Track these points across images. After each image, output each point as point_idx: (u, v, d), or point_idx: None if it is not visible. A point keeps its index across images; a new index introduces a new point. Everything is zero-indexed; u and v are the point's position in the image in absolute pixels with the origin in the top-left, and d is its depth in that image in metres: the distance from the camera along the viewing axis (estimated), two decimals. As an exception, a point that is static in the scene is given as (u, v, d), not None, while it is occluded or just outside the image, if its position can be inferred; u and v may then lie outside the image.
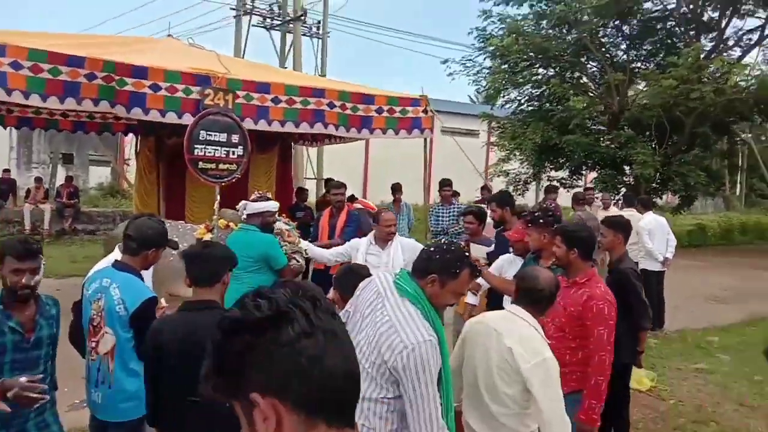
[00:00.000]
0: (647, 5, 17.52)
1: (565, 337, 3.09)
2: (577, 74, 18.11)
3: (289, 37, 15.49)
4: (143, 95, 5.65)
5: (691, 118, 15.33)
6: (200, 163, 4.57)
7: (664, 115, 15.02)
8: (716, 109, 15.41)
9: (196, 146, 4.49)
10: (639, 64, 17.98)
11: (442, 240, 4.23)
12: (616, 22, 17.44)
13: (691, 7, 17.09)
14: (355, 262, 4.32)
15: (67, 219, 14.82)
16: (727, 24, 16.86)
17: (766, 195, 32.47)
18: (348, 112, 6.95)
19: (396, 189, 9.21)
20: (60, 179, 18.91)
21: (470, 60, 18.50)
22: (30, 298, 2.68)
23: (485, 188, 10.68)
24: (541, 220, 3.61)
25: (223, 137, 4.66)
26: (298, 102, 6.47)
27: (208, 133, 4.56)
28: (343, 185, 5.92)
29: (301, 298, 0.85)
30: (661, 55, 17.70)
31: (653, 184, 16.47)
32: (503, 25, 17.38)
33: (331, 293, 3.22)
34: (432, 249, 2.43)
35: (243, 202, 4.52)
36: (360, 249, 4.60)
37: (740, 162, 27.12)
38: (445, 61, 18.67)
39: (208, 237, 5.49)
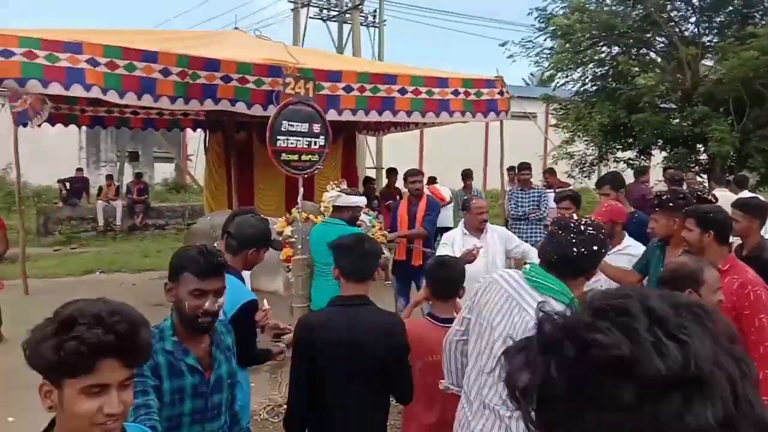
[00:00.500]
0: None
1: None
2: (644, 51, 17.31)
3: (346, 28, 15.39)
4: (215, 87, 5.67)
5: (773, 91, 14.36)
6: (283, 154, 4.47)
7: (743, 89, 14.11)
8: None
9: (278, 137, 4.40)
10: (711, 38, 16.98)
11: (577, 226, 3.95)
12: (685, -6, 16.55)
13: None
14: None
15: (138, 215, 15.28)
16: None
17: None
18: (423, 96, 6.80)
19: (467, 175, 9.00)
20: (127, 176, 19.53)
21: (530, 41, 17.99)
22: (211, 327, 2.18)
23: (550, 172, 10.28)
24: (671, 203, 3.30)
25: (305, 127, 4.55)
26: (368, 89, 6.35)
27: (290, 123, 4.46)
28: (420, 172, 5.76)
29: (728, 354, 0.52)
30: (735, 27, 16.70)
31: (730, 162, 15.60)
32: (564, 4, 16.80)
33: (423, 291, 3.09)
34: (574, 240, 2.14)
35: (334, 192, 4.39)
36: (455, 241, 4.40)
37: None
38: (504, 44, 18.17)
39: (288, 230, 5.43)
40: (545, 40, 17.67)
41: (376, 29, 16.00)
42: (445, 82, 7.04)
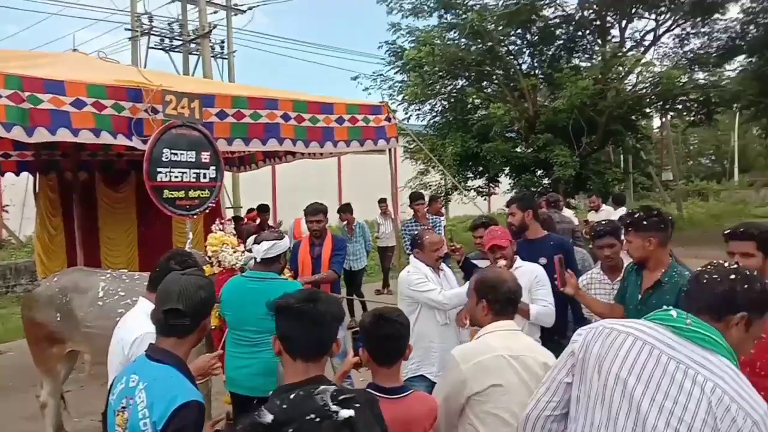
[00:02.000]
0: (547, 12, 18.06)
1: (757, 374, 2.26)
2: (487, 83, 18.27)
3: (192, 59, 14.21)
4: (66, 114, 4.47)
5: (604, 117, 15.78)
6: (165, 191, 3.52)
7: (579, 115, 15.34)
8: (625, 107, 16.04)
9: (159, 170, 3.46)
10: (544, 69, 18.40)
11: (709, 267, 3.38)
12: (518, 31, 17.80)
13: (588, 12, 17.76)
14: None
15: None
16: (626, 26, 17.65)
17: (649, 188, 34.91)
18: (306, 124, 6.07)
19: (345, 210, 8.39)
20: None
21: (381, 74, 18.20)
22: None
23: (433, 199, 10.05)
24: (644, 222, 2.93)
25: (191, 156, 3.65)
26: (247, 116, 5.49)
27: (173, 151, 3.54)
28: (321, 210, 4.98)
29: None
30: (562, 60, 18.33)
31: (570, 185, 16.83)
32: (413, 38, 17.25)
33: (351, 356, 2.35)
34: (731, 276, 1.68)
35: (263, 243, 3.36)
36: (429, 277, 3.75)
37: (624, 160, 28.79)
38: (356, 77, 18.23)
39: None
40: (396, 73, 18.02)
41: (225, 60, 15.04)
42: (329, 108, 6.39)
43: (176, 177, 3.56)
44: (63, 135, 4.37)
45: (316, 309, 1.72)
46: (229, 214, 13.03)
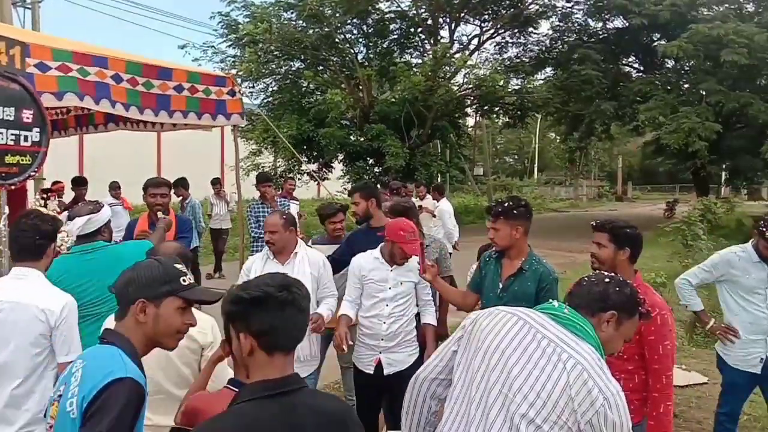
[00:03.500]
0: (382, 5, 18.49)
1: (620, 357, 2.44)
2: (323, 68, 18.20)
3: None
4: None
5: (432, 113, 16.59)
6: (-24, 155, 2.82)
7: (411, 108, 15.96)
8: (451, 105, 17.05)
9: (-34, 129, 2.75)
10: (378, 62, 18.84)
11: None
12: (355, 20, 17.98)
13: (421, 11, 18.52)
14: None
15: None
16: (455, 29, 18.73)
17: (462, 181, 37.85)
18: (140, 88, 5.35)
19: (179, 184, 7.75)
20: None
21: (212, 46, 17.21)
22: None
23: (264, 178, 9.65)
24: (514, 211, 3.00)
25: (9, 114, 2.95)
26: (74, 70, 4.72)
27: (-13, 107, 2.84)
28: (164, 183, 4.48)
29: None
30: (395, 55, 18.96)
31: (400, 175, 17.50)
32: (248, 12, 16.55)
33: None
34: (606, 280, 1.93)
35: (76, 220, 2.91)
36: (253, 268, 3.45)
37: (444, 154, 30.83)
38: (183, 47, 17.02)
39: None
40: (228, 46, 17.17)
41: (28, 10, 13.02)
42: (167, 73, 5.68)
43: (-11, 139, 2.89)
44: None
45: (299, 294, 1.48)
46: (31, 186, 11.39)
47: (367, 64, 17.86)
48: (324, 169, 19.15)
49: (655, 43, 18.48)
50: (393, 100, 15.81)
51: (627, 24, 17.92)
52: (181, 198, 7.98)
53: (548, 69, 20.05)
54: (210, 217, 9.86)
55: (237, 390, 1.62)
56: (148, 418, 2.57)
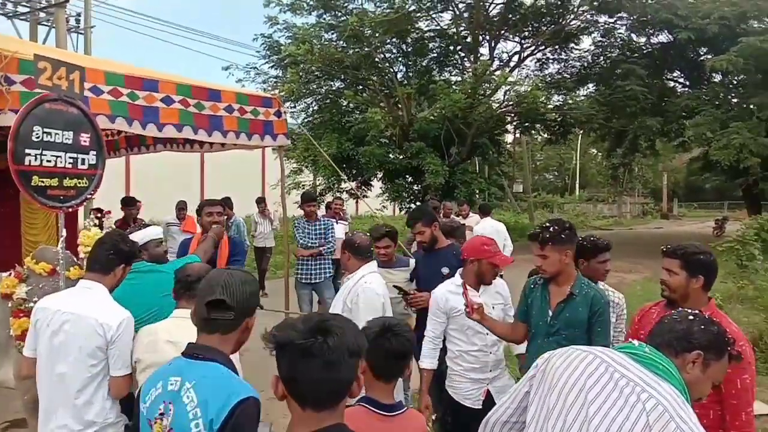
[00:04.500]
0: (422, 24, 18.58)
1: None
2: (362, 87, 18.34)
3: (41, 30, 12.58)
4: None
5: (472, 130, 16.49)
6: (35, 177, 2.88)
7: (450, 126, 15.90)
8: (491, 122, 16.93)
9: (28, 151, 2.81)
10: (417, 80, 18.90)
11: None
12: (394, 39, 18.10)
13: (461, 29, 18.53)
14: None
15: None
16: (495, 46, 18.65)
17: (501, 198, 37.51)
18: (192, 109, 5.47)
19: (225, 203, 7.84)
20: None
21: (255, 67, 17.57)
22: None
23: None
24: (562, 236, 2.89)
25: (68, 137, 3.02)
26: (125, 95, 4.84)
27: (46, 130, 2.90)
28: (219, 202, 4.54)
29: None
30: (435, 73, 18.98)
31: (440, 192, 17.41)
32: (290, 34, 16.85)
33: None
34: (689, 317, 1.82)
35: (143, 231, 3.03)
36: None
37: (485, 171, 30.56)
38: (227, 68, 17.41)
39: (21, 291, 3.71)
40: (271, 67, 17.49)
41: (81, 35, 13.52)
42: (217, 95, 5.81)
43: (49, 161, 2.94)
44: None
45: (327, 344, 1.32)
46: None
47: (406, 82, 17.92)
48: (363, 187, 19.20)
49: (702, 57, 18.01)
50: (432, 117, 15.77)
51: (672, 38, 17.52)
52: (225, 217, 8.05)
53: (590, 85, 19.74)
54: (254, 236, 9.96)
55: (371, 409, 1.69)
56: None
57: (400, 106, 17.37)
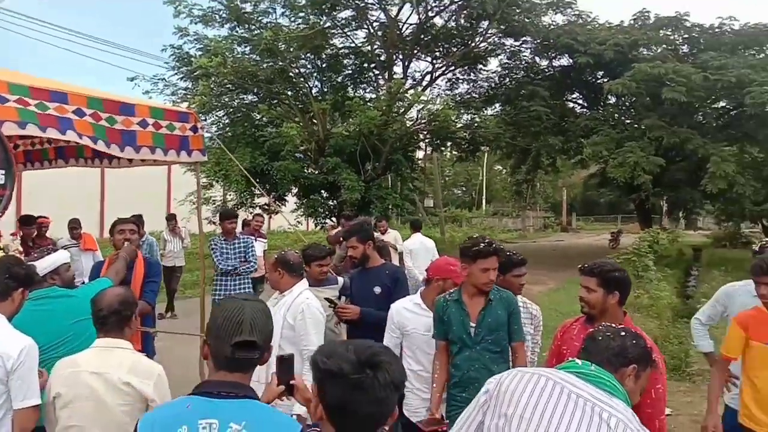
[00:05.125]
0: (336, 41, 18.68)
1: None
2: (277, 101, 18.14)
3: None
4: None
5: (387, 146, 16.71)
6: (-69, 197, 2.58)
7: (366, 142, 16.03)
8: (405, 139, 17.25)
9: None
10: (332, 96, 18.95)
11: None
12: (309, 55, 18.07)
13: (375, 47, 18.80)
14: None
15: None
16: (408, 65, 19.04)
17: (412, 213, 38.22)
18: (103, 123, 5.16)
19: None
20: None
21: (163, 79, 16.91)
22: None
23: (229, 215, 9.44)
24: (491, 250, 3.04)
25: (-30, 154, 2.75)
26: (32, 105, 4.52)
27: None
28: (132, 220, 4.29)
29: None
30: (349, 89, 19.11)
31: (355, 208, 17.45)
32: (201, 45, 16.40)
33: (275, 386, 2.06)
34: (621, 333, 1.93)
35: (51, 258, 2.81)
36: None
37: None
38: (133, 79, 16.65)
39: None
40: (180, 79, 16.92)
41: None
42: (130, 109, 5.51)
43: (-54, 180, 2.67)
44: None
45: (378, 381, 1.34)
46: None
47: (321, 98, 17.89)
48: (277, 202, 18.90)
49: (600, 81, 19.32)
50: (347, 133, 15.85)
51: (573, 62, 18.67)
52: (137, 236, 7.62)
53: (497, 105, 20.61)
54: (163, 255, 9.49)
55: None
56: None
57: (315, 121, 17.31)
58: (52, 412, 2.49)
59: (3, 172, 3.01)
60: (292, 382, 1.98)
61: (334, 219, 18.01)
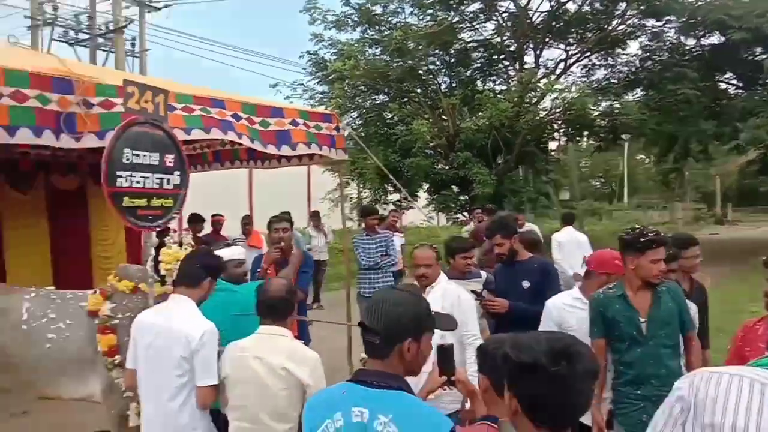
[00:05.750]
0: (465, 35, 18.58)
1: None
2: (407, 99, 18.43)
3: (100, 55, 13.11)
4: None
5: (519, 138, 16.33)
6: (126, 198, 3.01)
7: (498, 134, 15.80)
8: (538, 130, 16.74)
9: (119, 173, 2.94)
10: (461, 90, 18.87)
11: None
12: (437, 51, 18.14)
13: (505, 38, 18.44)
14: None
15: None
16: (540, 54, 18.47)
17: (547, 206, 36.89)
18: (257, 126, 5.62)
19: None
20: None
21: (302, 84, 17.88)
22: None
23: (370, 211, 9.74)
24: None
25: (154, 159, 3.15)
26: (197, 110, 5.00)
27: (135, 152, 3.03)
28: (286, 218, 4.64)
29: None
30: (479, 83, 18.92)
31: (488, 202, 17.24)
32: (335, 50, 17.09)
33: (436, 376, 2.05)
34: None
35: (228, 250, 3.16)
36: None
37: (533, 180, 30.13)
38: (275, 85, 17.75)
39: (106, 308, 3.84)
40: (317, 83, 17.79)
41: (136, 58, 14.04)
42: (280, 112, 5.97)
43: (138, 182, 3.06)
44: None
45: (575, 372, 1.32)
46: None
47: (450, 93, 17.91)
48: (410, 198, 19.20)
49: (758, 58, 17.41)
50: (477, 127, 15.70)
51: (725, 39, 17.00)
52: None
53: (639, 90, 19.26)
54: (309, 250, 10.08)
55: (496, 427, 1.59)
56: None
57: (444, 117, 17.36)
58: (224, 392, 2.76)
59: (179, 173, 3.38)
60: (452, 378, 2.00)
61: (465, 214, 17.98)
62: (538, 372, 1.32)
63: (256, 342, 2.70)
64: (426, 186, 18.26)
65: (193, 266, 2.85)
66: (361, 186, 18.21)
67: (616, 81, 19.00)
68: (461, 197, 17.91)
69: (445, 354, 2.00)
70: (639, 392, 2.92)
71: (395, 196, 19.09)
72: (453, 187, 17.87)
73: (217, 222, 7.96)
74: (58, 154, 7.33)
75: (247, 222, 8.49)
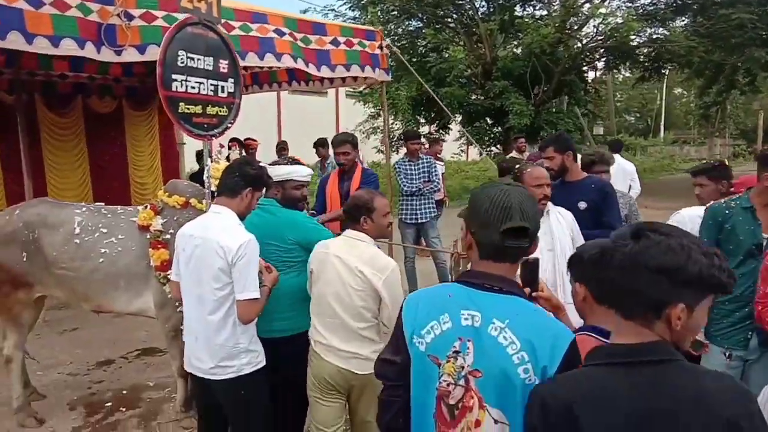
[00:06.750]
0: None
1: None
2: (441, 26, 17.71)
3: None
4: (18, 12, 3.62)
5: (559, 67, 15.66)
6: (182, 104, 2.85)
7: (537, 62, 15.15)
8: (578, 58, 16.00)
9: (174, 77, 2.77)
10: (499, 16, 18.03)
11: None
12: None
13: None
14: None
15: None
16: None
17: (580, 141, 35.91)
18: (299, 43, 5.37)
19: (321, 144, 7.84)
20: None
21: (333, 9, 17.26)
22: None
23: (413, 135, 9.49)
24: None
25: (209, 63, 2.96)
26: (237, 27, 4.78)
27: (190, 56, 2.84)
28: (348, 140, 4.52)
29: None
30: (517, 8, 18.01)
31: (523, 134, 16.77)
32: (365, -26, 16.38)
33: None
34: None
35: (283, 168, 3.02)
36: None
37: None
38: (305, 11, 17.17)
39: (157, 222, 3.76)
40: (349, 8, 17.15)
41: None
42: (321, 28, 5.71)
43: (193, 88, 2.88)
44: (14, 41, 3.50)
45: (652, 245, 1.22)
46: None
47: (487, 18, 17.11)
48: (441, 131, 18.80)
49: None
50: (516, 53, 15.02)
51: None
52: (321, 158, 8.05)
53: (687, 16, 18.15)
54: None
55: (597, 338, 1.47)
56: (324, 337, 2.66)
57: (481, 44, 16.67)
58: (311, 285, 2.83)
59: (233, 80, 3.19)
60: (534, 294, 1.89)
61: (499, 146, 17.55)
62: (605, 259, 1.27)
63: (340, 243, 2.78)
64: (459, 118, 17.77)
65: (232, 176, 2.75)
66: (393, 117, 17.79)
67: (662, 6, 17.90)
68: (495, 129, 17.45)
69: (529, 267, 1.88)
70: (747, 310, 2.81)
71: (426, 129, 18.71)
72: (487, 118, 17.39)
73: (250, 146, 7.83)
74: (95, 76, 7.20)
75: (283, 147, 8.35)
